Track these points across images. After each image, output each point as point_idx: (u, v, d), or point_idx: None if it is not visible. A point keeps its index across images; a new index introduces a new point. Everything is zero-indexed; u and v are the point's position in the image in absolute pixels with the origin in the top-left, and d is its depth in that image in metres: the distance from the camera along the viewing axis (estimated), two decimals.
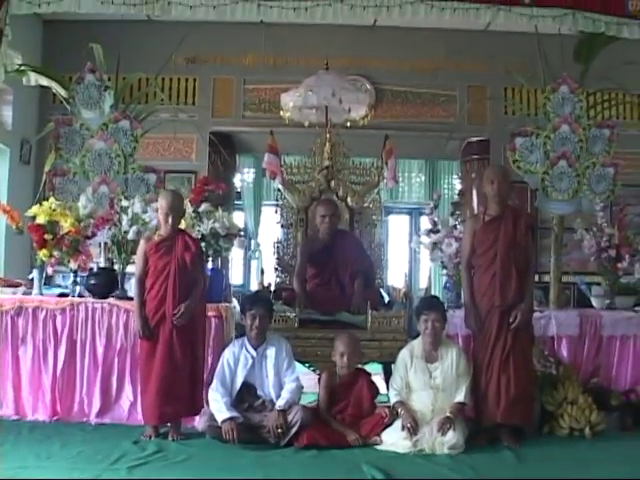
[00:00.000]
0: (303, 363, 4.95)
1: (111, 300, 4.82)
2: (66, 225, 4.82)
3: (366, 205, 5.79)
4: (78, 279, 5.01)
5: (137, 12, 4.94)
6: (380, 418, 4.22)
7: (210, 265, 5.09)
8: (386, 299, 5.42)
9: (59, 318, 4.75)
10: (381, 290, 5.55)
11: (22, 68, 5.86)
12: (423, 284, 10.00)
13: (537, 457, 3.95)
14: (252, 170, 10.05)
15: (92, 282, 4.95)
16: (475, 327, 4.38)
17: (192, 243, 4.40)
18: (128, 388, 4.71)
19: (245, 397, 4.29)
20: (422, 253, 5.68)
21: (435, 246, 5.28)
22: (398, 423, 4.13)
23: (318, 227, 5.48)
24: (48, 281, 5.81)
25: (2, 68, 4.93)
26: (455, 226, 5.26)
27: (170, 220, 4.35)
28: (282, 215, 5.81)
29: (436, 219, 5.36)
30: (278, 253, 5.73)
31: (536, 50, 5.53)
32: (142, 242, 4.45)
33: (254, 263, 10.06)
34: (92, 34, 6.14)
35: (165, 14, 4.94)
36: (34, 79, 5.92)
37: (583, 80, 5.57)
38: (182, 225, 4.65)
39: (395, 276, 7.70)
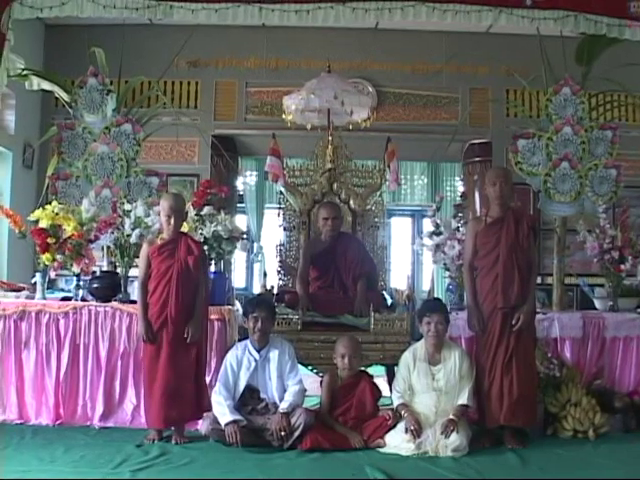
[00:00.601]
0: (306, 366, 4.95)
1: (114, 304, 4.82)
2: (69, 229, 4.83)
3: (368, 207, 5.78)
4: (81, 283, 5.01)
5: (139, 16, 4.93)
6: (383, 420, 4.21)
7: (213, 268, 5.10)
8: (389, 301, 5.42)
9: (62, 322, 4.76)
10: (384, 292, 5.55)
11: (25, 72, 5.88)
12: (426, 286, 10.00)
13: (541, 459, 3.94)
14: (254, 173, 10.05)
15: (95, 286, 4.96)
16: (478, 329, 4.37)
17: (195, 246, 4.40)
18: (131, 392, 4.72)
19: (248, 400, 4.29)
20: (425, 255, 5.69)
21: (438, 248, 5.28)
22: (401, 425, 4.13)
23: (320, 230, 5.48)
24: (51, 285, 5.82)
25: (5, 72, 4.94)
26: (457, 228, 5.27)
27: (172, 221, 4.35)
28: (285, 218, 5.81)
29: (438, 221, 5.36)
30: (281, 256, 5.72)
31: (538, 52, 5.53)
32: (145, 245, 4.46)
33: (257, 266, 10.09)
34: (94, 38, 6.16)
35: (167, 18, 4.93)
36: (37, 83, 5.94)
37: (585, 82, 5.57)
38: (185, 228, 4.67)
39: (398, 278, 7.70)
